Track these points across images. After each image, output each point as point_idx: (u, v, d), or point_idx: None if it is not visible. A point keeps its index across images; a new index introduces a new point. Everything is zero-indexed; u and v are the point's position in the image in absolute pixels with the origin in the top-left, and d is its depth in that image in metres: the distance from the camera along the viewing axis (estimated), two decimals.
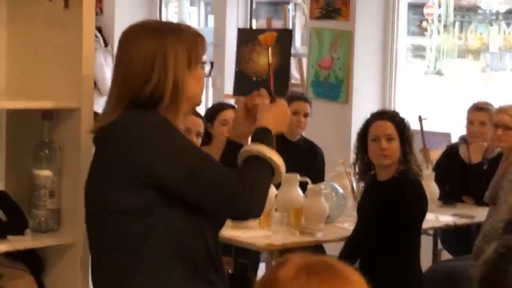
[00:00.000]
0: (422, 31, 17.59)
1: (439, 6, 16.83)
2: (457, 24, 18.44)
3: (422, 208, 4.38)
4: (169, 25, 2.67)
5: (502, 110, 5.17)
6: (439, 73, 17.63)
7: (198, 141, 4.75)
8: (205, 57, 2.61)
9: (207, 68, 2.65)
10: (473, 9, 18.72)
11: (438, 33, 17.16)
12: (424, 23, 17.39)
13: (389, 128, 4.37)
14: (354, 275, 1.56)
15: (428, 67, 17.63)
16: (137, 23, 2.70)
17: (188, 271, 2.50)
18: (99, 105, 7.94)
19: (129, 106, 2.53)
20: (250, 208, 2.50)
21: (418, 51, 17.76)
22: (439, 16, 16.95)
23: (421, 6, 17.07)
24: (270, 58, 2.88)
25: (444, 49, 17.81)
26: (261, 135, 2.58)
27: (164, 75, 2.50)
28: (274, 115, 2.64)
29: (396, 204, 4.27)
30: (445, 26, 17.38)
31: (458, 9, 18.07)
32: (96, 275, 2.66)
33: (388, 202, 4.29)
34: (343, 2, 6.67)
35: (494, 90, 14.57)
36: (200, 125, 4.83)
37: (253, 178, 2.50)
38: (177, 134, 2.52)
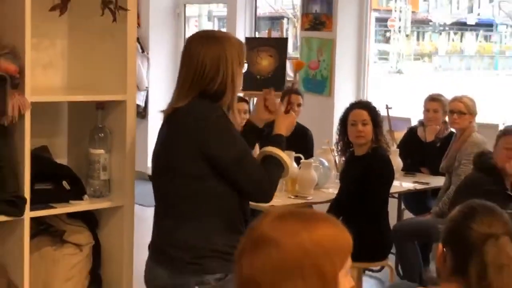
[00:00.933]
0: (386, 39, 17.50)
1: (399, 20, 16.75)
2: (414, 33, 18.35)
3: (390, 177, 4.33)
4: (224, 34, 2.65)
5: (456, 99, 5.09)
6: (399, 72, 17.59)
7: None
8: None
9: (246, 66, 2.63)
10: (425, 21, 18.65)
11: (399, 40, 17.11)
12: (388, 33, 17.30)
13: (364, 115, 4.32)
14: (320, 224, 1.46)
15: (391, 67, 17.58)
16: (200, 32, 2.71)
17: (226, 223, 2.52)
18: (137, 98, 7.94)
19: (198, 96, 2.51)
20: (269, 196, 2.60)
21: (383, 55, 17.68)
22: (399, 27, 16.89)
23: (386, 19, 16.96)
24: (294, 79, 2.95)
25: (404, 53, 17.75)
26: (278, 140, 2.64)
27: (226, 73, 2.51)
28: (287, 124, 2.74)
29: (370, 174, 4.23)
30: (405, 35, 17.32)
31: (414, 21, 17.98)
32: (161, 220, 2.60)
33: (364, 172, 4.25)
34: (327, 16, 6.59)
35: (443, 85, 14.50)
36: (245, 107, 5.07)
37: (273, 175, 2.57)
38: (233, 128, 2.54)
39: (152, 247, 2.63)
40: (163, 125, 2.60)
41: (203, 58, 2.51)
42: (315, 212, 1.53)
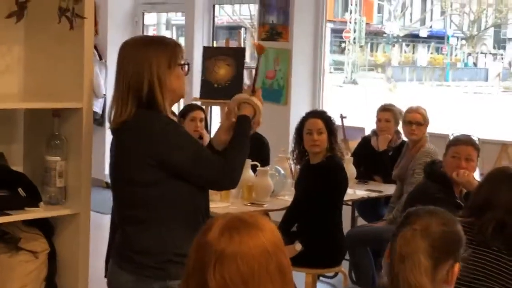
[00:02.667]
0: (341, 50, 17.67)
1: (354, 31, 16.93)
2: (368, 44, 18.55)
3: (343, 185, 4.36)
4: (154, 39, 2.62)
5: (413, 110, 5.13)
6: (354, 82, 17.77)
7: None
8: (184, 60, 2.55)
9: (185, 67, 2.57)
10: (379, 33, 18.87)
11: (353, 51, 17.28)
12: (343, 44, 17.46)
13: (320, 124, 4.35)
14: (265, 223, 1.55)
15: (346, 77, 17.75)
16: (129, 39, 2.62)
17: (187, 226, 2.49)
18: (95, 104, 7.87)
19: (135, 107, 2.47)
20: (234, 183, 2.56)
21: (338, 65, 17.84)
22: (354, 38, 17.06)
23: (341, 31, 17.12)
24: (258, 62, 2.90)
25: (358, 64, 17.94)
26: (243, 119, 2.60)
27: (151, 78, 2.45)
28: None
29: (325, 181, 4.26)
30: (359, 46, 17.50)
31: (368, 33, 18.19)
32: (123, 227, 2.57)
33: (319, 180, 4.27)
34: (283, 27, 6.62)
35: (396, 95, 14.70)
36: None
37: (235, 159, 2.52)
38: (182, 130, 2.53)
39: (115, 252, 2.61)
40: (112, 138, 2.57)
41: (127, 66, 2.48)
42: (251, 214, 1.58)
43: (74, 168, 2.89)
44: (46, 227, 2.98)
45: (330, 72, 17.63)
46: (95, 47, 7.97)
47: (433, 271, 1.88)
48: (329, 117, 4.46)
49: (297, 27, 6.58)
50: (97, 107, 7.69)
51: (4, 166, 2.90)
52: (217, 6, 8.13)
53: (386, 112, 5.48)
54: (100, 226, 3.65)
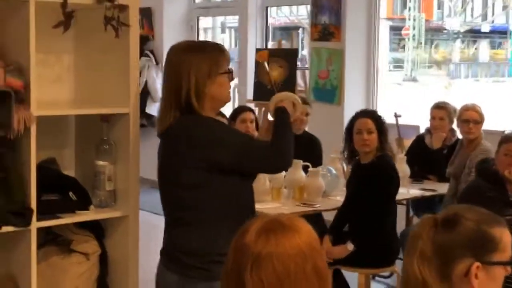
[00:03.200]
0: (401, 48, 17.47)
1: (414, 28, 16.72)
2: (428, 41, 18.31)
3: (395, 184, 4.33)
4: (196, 44, 2.66)
5: (470, 108, 5.06)
6: (414, 79, 17.54)
7: None
8: (227, 68, 2.57)
9: (230, 75, 2.60)
10: (440, 29, 18.59)
11: (413, 49, 17.07)
12: (402, 42, 17.28)
13: (369, 123, 4.33)
14: (301, 225, 1.55)
15: (406, 75, 17.53)
16: (175, 44, 2.67)
17: (232, 226, 2.49)
18: (152, 108, 8.01)
19: (178, 112, 2.52)
20: (287, 164, 2.63)
21: (398, 63, 17.65)
22: (413, 35, 16.85)
23: (400, 28, 16.94)
24: (267, 67, 2.92)
25: (418, 61, 17.71)
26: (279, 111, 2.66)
27: (189, 84, 2.49)
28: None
29: (375, 181, 4.24)
30: (419, 43, 17.29)
31: (428, 29, 17.94)
32: (170, 228, 2.63)
33: (369, 180, 4.26)
34: (335, 27, 6.62)
35: (453, 92, 14.46)
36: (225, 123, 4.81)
37: (282, 142, 2.56)
38: (228, 127, 2.63)
39: (163, 252, 2.67)
40: (159, 142, 2.63)
41: (169, 72, 2.54)
42: (288, 217, 1.59)
43: (123, 171, 2.98)
44: (97, 229, 3.07)
45: (390, 70, 17.45)
46: (152, 52, 8.12)
47: (442, 266, 1.77)
48: (379, 117, 4.44)
49: (350, 27, 6.56)
50: (154, 111, 7.83)
51: (55, 171, 3.00)
52: (274, 8, 8.17)
53: (440, 110, 5.41)
54: (156, 226, 3.72)
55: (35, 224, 2.76)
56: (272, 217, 1.57)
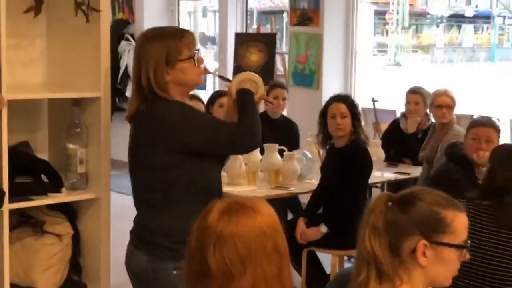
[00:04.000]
0: (385, 32, 17.54)
1: (397, 13, 16.79)
2: (412, 26, 18.38)
3: (367, 168, 4.41)
4: (156, 32, 2.65)
5: (443, 93, 5.13)
6: (398, 64, 17.63)
7: None
8: (190, 52, 2.59)
9: (196, 56, 2.62)
10: (423, 14, 18.66)
11: (397, 33, 17.15)
12: (386, 26, 17.34)
13: (343, 108, 4.40)
14: (263, 206, 1.62)
15: (389, 60, 17.63)
16: (142, 32, 2.71)
17: (201, 207, 2.58)
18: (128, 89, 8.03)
19: (144, 96, 2.57)
20: (256, 142, 2.67)
21: (382, 47, 17.72)
22: (397, 20, 16.92)
23: (384, 12, 17.01)
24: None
25: (402, 46, 17.80)
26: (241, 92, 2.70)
27: (146, 73, 2.55)
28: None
29: (348, 165, 4.32)
30: (403, 28, 17.34)
31: (412, 14, 18.01)
32: (140, 209, 2.69)
33: (342, 164, 4.33)
34: (314, 12, 6.67)
35: (441, 77, 14.55)
36: (201, 107, 4.87)
37: (248, 121, 2.61)
38: (194, 110, 2.63)
39: (133, 233, 2.73)
40: (130, 125, 2.68)
41: (134, 58, 2.61)
42: (250, 199, 1.66)
43: (94, 154, 3.04)
44: (69, 211, 3.13)
45: (374, 55, 17.52)
46: (132, 36, 8.15)
47: (392, 240, 1.85)
48: (353, 101, 4.51)
49: (328, 12, 6.62)
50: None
51: (27, 154, 3.06)
52: None
53: (415, 94, 5.50)
54: (125, 208, 3.77)
55: (7, 206, 2.81)
56: (234, 199, 1.64)
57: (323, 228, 4.35)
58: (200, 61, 2.68)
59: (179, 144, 2.54)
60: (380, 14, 17.51)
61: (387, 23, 17.12)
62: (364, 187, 4.46)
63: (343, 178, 4.30)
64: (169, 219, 2.59)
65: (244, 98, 2.68)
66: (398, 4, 16.54)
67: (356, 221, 4.69)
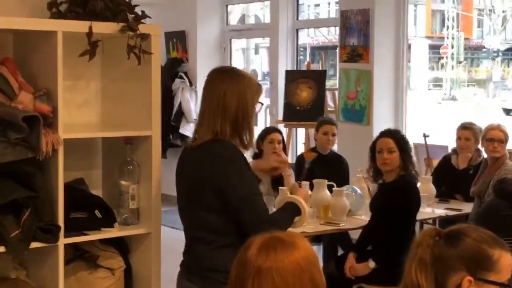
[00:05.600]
0: (440, 66, 17.47)
1: (452, 47, 16.73)
2: (468, 60, 18.26)
3: (415, 204, 4.43)
4: (243, 72, 2.76)
5: (495, 127, 5.15)
6: (453, 98, 17.50)
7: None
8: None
9: (258, 107, 2.80)
10: (479, 47, 18.53)
11: (452, 67, 17.06)
12: (441, 60, 17.28)
13: (390, 143, 4.45)
14: (299, 241, 1.70)
15: (445, 94, 17.51)
16: (219, 68, 2.82)
17: None
18: (186, 129, 8.23)
19: (218, 133, 2.66)
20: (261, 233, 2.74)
21: (437, 82, 17.64)
22: (452, 54, 16.86)
23: (439, 47, 16.97)
24: (306, 165, 3.05)
25: (457, 80, 17.68)
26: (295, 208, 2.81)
27: (243, 110, 2.67)
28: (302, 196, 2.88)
29: (396, 200, 4.35)
30: (458, 62, 17.26)
31: (468, 48, 17.91)
32: (194, 245, 2.74)
33: (391, 198, 4.37)
34: (364, 49, 6.77)
35: (496, 111, 14.39)
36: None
37: (279, 222, 2.71)
38: (244, 163, 2.67)
39: (185, 266, 2.79)
40: (183, 160, 2.77)
41: (224, 94, 2.65)
42: (288, 234, 1.75)
43: (146, 191, 3.16)
44: (121, 245, 3.25)
45: (429, 89, 17.46)
46: (186, 74, 8.36)
47: (438, 275, 1.89)
48: (402, 136, 4.55)
49: (378, 49, 6.70)
50: (188, 131, 8.04)
51: (83, 190, 3.20)
52: (312, 29, 8.31)
53: (466, 130, 5.51)
54: (175, 241, 3.88)
55: (63, 240, 2.95)
56: (273, 235, 1.73)
57: (371, 264, 4.38)
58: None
59: (219, 189, 2.62)
60: (435, 48, 17.46)
61: (442, 57, 17.05)
62: (411, 223, 4.47)
63: (390, 213, 4.33)
64: (226, 257, 2.60)
65: (293, 211, 2.79)
66: (453, 38, 16.48)
67: (405, 257, 4.71)
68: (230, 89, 2.66)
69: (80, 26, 2.92)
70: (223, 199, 2.62)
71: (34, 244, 2.87)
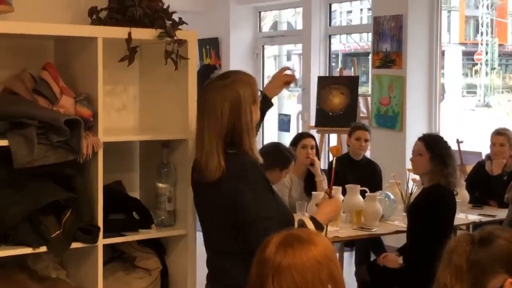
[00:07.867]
0: (474, 73, 17.33)
1: (486, 53, 16.59)
2: (502, 66, 18.08)
3: (448, 211, 4.46)
4: (234, 75, 2.80)
5: None
6: (487, 105, 17.33)
7: None
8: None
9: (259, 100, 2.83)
10: None
11: (486, 74, 16.91)
12: (475, 67, 17.14)
13: (420, 146, 4.51)
14: (317, 237, 1.74)
15: (479, 101, 17.34)
16: (211, 80, 2.85)
17: None
18: None
19: (226, 146, 2.72)
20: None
21: (471, 88, 17.48)
22: (486, 60, 16.71)
23: (472, 53, 16.83)
24: (334, 164, 3.04)
25: (492, 87, 17.50)
26: (316, 222, 2.73)
27: (246, 114, 2.71)
28: (329, 211, 2.83)
29: (430, 206, 4.39)
30: (492, 68, 17.11)
31: (503, 54, 17.73)
32: (218, 258, 2.80)
33: (425, 204, 4.43)
34: (397, 54, 6.81)
35: None
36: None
37: None
38: (261, 178, 2.68)
39: (211, 282, 2.88)
40: (197, 179, 2.83)
41: (222, 105, 2.69)
42: (305, 231, 1.81)
43: (182, 193, 3.24)
44: (158, 247, 3.33)
45: (463, 96, 17.32)
46: None
47: (475, 281, 1.86)
48: (432, 140, 4.55)
49: (411, 55, 6.74)
50: None
51: (121, 193, 3.29)
52: (344, 35, 8.37)
53: (500, 136, 5.54)
54: None
55: (101, 241, 3.04)
56: (290, 232, 1.77)
57: (400, 260, 4.48)
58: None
59: (235, 205, 2.66)
60: (468, 55, 17.33)
61: (476, 64, 16.92)
62: (446, 230, 4.49)
63: (424, 221, 4.38)
64: (245, 273, 2.67)
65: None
66: (487, 44, 16.36)
67: (436, 261, 4.76)
68: (227, 98, 2.70)
69: (119, 32, 3.01)
70: (234, 215, 2.66)
71: (74, 245, 2.96)
